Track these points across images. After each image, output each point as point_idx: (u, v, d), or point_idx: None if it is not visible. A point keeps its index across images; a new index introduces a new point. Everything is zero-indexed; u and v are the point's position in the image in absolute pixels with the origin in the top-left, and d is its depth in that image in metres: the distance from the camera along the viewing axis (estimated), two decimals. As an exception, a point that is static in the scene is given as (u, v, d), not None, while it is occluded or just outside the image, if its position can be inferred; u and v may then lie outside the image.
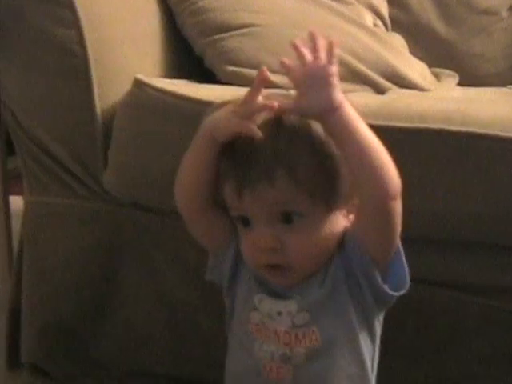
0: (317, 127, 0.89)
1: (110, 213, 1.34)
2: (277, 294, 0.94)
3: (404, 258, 0.94)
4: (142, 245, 1.32)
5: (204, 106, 1.21)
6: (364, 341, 0.94)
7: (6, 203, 1.48)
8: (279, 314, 0.93)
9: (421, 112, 1.18)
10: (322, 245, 0.91)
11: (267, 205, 0.88)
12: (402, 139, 1.15)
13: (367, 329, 0.94)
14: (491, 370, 1.27)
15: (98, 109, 1.30)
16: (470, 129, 1.15)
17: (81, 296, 1.37)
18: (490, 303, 1.25)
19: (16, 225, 1.48)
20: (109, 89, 1.32)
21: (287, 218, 0.89)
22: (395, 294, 0.92)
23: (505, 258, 1.23)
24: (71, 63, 1.28)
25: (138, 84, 1.27)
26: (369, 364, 0.95)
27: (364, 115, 1.12)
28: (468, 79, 1.92)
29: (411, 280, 1.25)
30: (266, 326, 0.94)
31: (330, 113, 0.86)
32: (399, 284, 0.93)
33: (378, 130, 1.14)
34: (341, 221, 0.92)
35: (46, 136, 1.32)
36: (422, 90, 1.66)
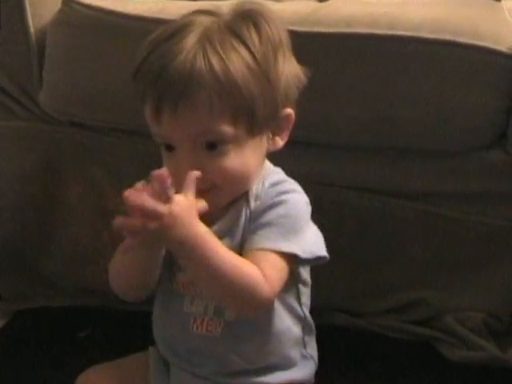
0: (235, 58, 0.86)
1: (49, 132, 1.33)
2: None
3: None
4: (81, 162, 1.32)
5: (132, 20, 1.22)
6: (293, 297, 0.96)
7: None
8: None
9: (348, 17, 1.17)
10: (246, 168, 0.89)
11: (189, 133, 0.86)
12: (328, 45, 1.15)
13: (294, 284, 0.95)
14: (428, 275, 1.30)
15: (32, 28, 1.28)
16: (397, 32, 1.14)
17: (25, 217, 1.37)
18: (427, 209, 1.27)
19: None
20: (42, 8, 1.30)
21: (211, 146, 0.87)
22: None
23: (439, 164, 1.24)
24: (2, -16, 1.26)
25: (67, 1, 1.26)
26: (301, 309, 0.97)
27: (291, 22, 1.13)
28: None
29: (348, 187, 1.27)
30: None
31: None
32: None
33: (304, 36, 1.16)
34: (264, 143, 0.91)
35: (-20, 58, 1.32)
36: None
